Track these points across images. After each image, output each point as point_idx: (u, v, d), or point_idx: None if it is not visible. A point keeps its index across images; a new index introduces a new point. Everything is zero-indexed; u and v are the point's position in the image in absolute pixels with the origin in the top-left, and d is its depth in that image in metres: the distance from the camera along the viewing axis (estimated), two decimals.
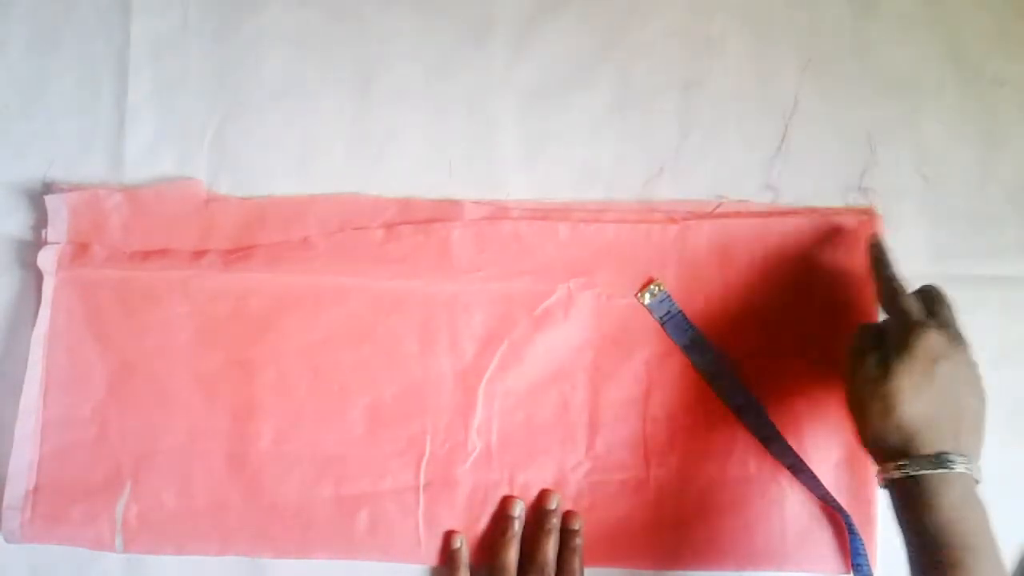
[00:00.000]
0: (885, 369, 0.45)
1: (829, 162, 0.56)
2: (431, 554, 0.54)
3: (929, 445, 0.44)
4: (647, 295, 0.55)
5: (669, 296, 0.55)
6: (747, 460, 0.55)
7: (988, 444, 0.56)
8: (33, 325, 0.55)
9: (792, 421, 0.54)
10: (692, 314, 0.55)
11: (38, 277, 0.55)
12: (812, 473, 0.54)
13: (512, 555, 0.53)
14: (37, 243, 0.56)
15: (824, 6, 0.57)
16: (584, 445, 0.55)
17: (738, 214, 0.56)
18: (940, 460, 0.43)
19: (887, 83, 0.57)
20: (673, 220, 0.56)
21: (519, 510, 0.54)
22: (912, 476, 0.43)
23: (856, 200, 0.56)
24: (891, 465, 0.44)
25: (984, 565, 0.42)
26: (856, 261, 0.55)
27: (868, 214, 0.55)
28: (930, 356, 0.45)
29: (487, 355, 0.55)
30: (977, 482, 0.45)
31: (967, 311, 0.56)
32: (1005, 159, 0.57)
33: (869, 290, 0.54)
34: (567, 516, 0.54)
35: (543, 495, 0.55)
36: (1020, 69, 0.57)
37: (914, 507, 0.43)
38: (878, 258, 0.51)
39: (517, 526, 0.54)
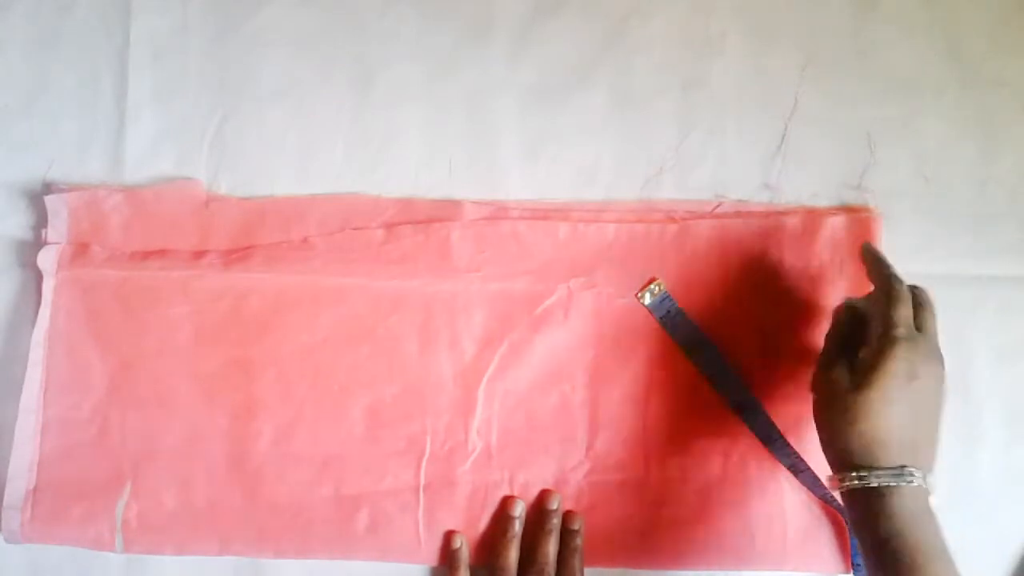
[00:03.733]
0: (859, 378, 0.45)
1: (829, 162, 0.56)
2: (431, 554, 0.54)
3: (891, 459, 0.44)
4: (647, 295, 0.55)
5: (669, 296, 0.55)
6: (747, 460, 0.55)
7: (988, 444, 0.56)
8: (33, 325, 0.55)
9: (792, 421, 0.54)
10: (692, 314, 0.55)
11: (38, 277, 0.55)
12: (812, 473, 0.54)
13: (512, 555, 0.53)
14: (37, 243, 0.56)
15: (824, 6, 0.57)
16: (584, 445, 0.55)
17: (738, 214, 0.56)
18: (900, 474, 0.44)
19: (887, 83, 0.57)
20: (673, 220, 0.56)
21: (519, 510, 0.54)
22: (872, 487, 0.44)
23: (856, 200, 0.56)
24: (851, 475, 0.45)
25: (938, 567, 0.42)
26: (856, 261, 0.55)
27: (868, 214, 0.55)
28: (908, 374, 0.45)
29: (487, 355, 0.55)
30: (929, 494, 0.45)
31: (967, 311, 0.56)
32: (1005, 159, 0.57)
33: (868, 290, 0.54)
34: (567, 516, 0.54)
35: (544, 495, 0.55)
36: (1020, 69, 0.57)
37: (871, 516, 0.44)
38: (879, 258, 0.51)
39: (518, 526, 0.54)
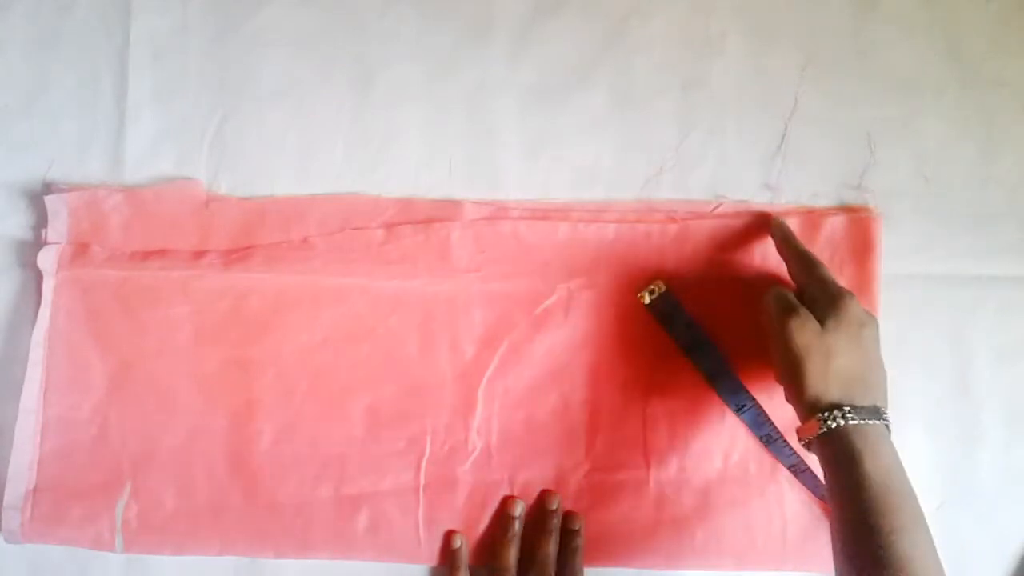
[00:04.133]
0: (825, 322, 0.47)
1: (829, 162, 0.56)
2: (431, 554, 0.55)
3: (863, 398, 0.46)
4: (647, 295, 0.55)
5: (670, 296, 0.55)
6: (747, 460, 0.55)
7: (988, 444, 0.56)
8: (33, 325, 0.55)
9: (792, 421, 0.54)
10: (691, 313, 0.55)
11: (38, 277, 0.55)
12: (812, 473, 0.54)
13: (512, 555, 0.53)
14: (37, 243, 0.56)
15: (824, 6, 0.57)
16: (584, 445, 0.55)
17: (738, 214, 0.56)
18: (877, 412, 0.46)
19: (887, 83, 0.57)
20: (673, 220, 0.56)
21: (519, 510, 0.54)
22: (854, 425, 0.45)
23: (856, 200, 0.56)
24: (832, 414, 0.45)
25: (918, 510, 0.44)
26: (856, 261, 0.55)
27: (868, 214, 0.55)
28: (857, 321, 0.47)
29: (487, 355, 0.55)
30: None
31: (967, 311, 0.56)
32: (1005, 159, 0.57)
33: (869, 290, 0.54)
34: (567, 516, 0.54)
35: (544, 495, 0.55)
36: (1020, 69, 0.57)
37: (855, 457, 0.44)
38: (787, 234, 0.53)
39: (517, 526, 0.54)
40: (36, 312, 0.55)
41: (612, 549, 0.54)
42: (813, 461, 0.53)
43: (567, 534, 0.54)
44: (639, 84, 0.57)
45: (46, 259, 0.55)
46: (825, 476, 0.46)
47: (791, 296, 0.49)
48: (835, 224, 0.55)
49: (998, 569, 0.55)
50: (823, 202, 0.56)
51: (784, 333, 0.48)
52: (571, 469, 0.55)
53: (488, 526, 0.55)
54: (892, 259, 0.55)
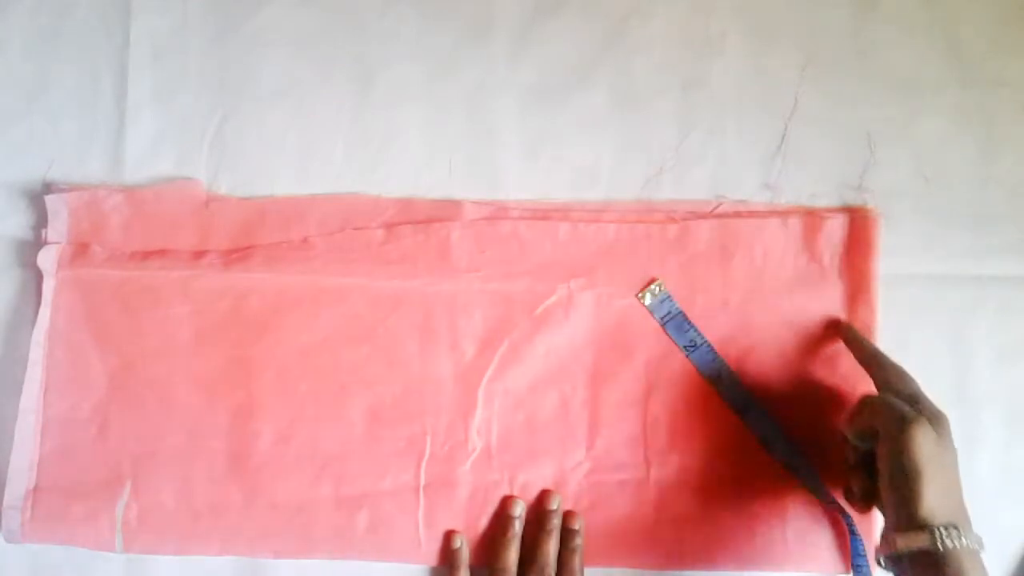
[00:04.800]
0: (939, 438, 0.45)
1: (829, 162, 0.56)
2: (431, 554, 0.54)
3: (968, 522, 0.44)
4: (648, 295, 0.55)
5: (670, 296, 0.55)
6: (747, 460, 0.55)
7: (988, 444, 0.56)
8: (33, 325, 0.55)
9: (792, 421, 0.54)
10: (692, 314, 0.55)
11: (38, 277, 0.55)
12: (812, 473, 0.54)
13: (512, 555, 0.53)
14: (37, 243, 0.56)
15: (824, 6, 0.57)
16: (584, 445, 0.55)
17: (738, 214, 0.56)
18: (980, 541, 0.44)
19: (887, 83, 0.57)
20: (673, 220, 0.56)
21: (520, 510, 0.54)
22: (966, 548, 0.43)
23: (856, 200, 0.56)
24: (949, 533, 0.43)
25: None
26: (856, 261, 0.55)
27: (867, 214, 0.55)
28: (953, 446, 0.46)
29: (487, 355, 0.55)
30: None
31: (967, 311, 0.56)
32: (1005, 159, 0.57)
33: (868, 290, 0.54)
34: (567, 516, 0.54)
35: (544, 495, 0.55)
36: (1020, 69, 0.57)
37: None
38: (858, 336, 0.52)
39: (518, 526, 0.54)
40: (36, 312, 0.55)
41: (612, 549, 0.54)
42: (813, 461, 0.53)
43: (567, 534, 0.54)
44: (639, 84, 0.57)
45: (46, 259, 0.55)
46: None
47: (901, 403, 0.47)
48: (834, 224, 0.55)
49: (998, 569, 0.55)
50: (823, 202, 0.56)
51: (906, 442, 0.45)
52: (571, 469, 0.55)
53: (488, 526, 0.55)
54: (892, 259, 0.55)
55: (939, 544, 0.42)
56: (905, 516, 0.44)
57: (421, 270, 0.55)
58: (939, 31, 0.57)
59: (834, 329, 0.54)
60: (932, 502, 0.43)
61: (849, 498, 0.51)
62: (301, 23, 0.58)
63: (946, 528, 0.43)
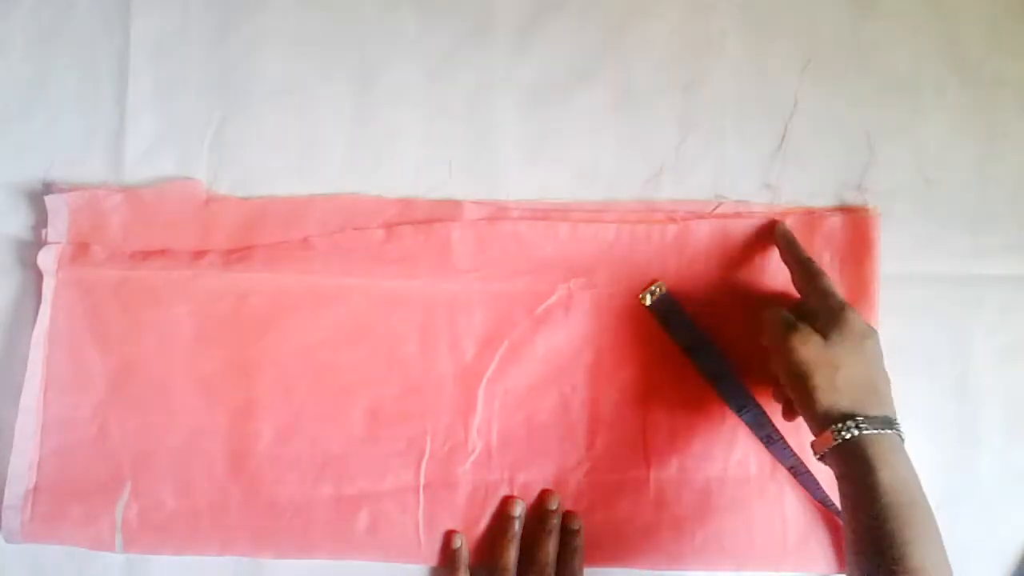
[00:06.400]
0: (829, 334, 0.47)
1: (829, 162, 0.56)
2: (431, 554, 0.55)
3: (875, 408, 0.46)
4: (648, 296, 0.55)
5: (671, 297, 0.55)
6: (747, 460, 0.55)
7: (988, 444, 0.56)
8: (33, 325, 0.55)
9: (792, 422, 0.54)
10: (692, 314, 0.55)
11: (38, 277, 0.55)
12: (812, 475, 0.54)
13: (512, 555, 0.53)
14: (37, 243, 0.56)
15: (824, 6, 0.57)
16: (584, 445, 0.55)
17: (738, 214, 0.56)
18: (889, 421, 0.45)
19: (887, 83, 0.57)
20: (673, 220, 0.56)
21: (519, 510, 0.54)
22: (866, 435, 0.44)
23: (856, 200, 0.56)
24: (845, 426, 0.45)
25: (932, 521, 0.44)
26: (855, 261, 0.55)
27: (867, 214, 0.55)
28: (860, 333, 0.47)
29: (487, 355, 0.55)
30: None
31: (967, 311, 0.56)
32: (1005, 159, 0.57)
33: (868, 290, 0.54)
34: (567, 516, 0.54)
35: (543, 495, 0.55)
36: (1020, 69, 0.57)
37: (869, 467, 0.44)
38: (791, 241, 0.53)
39: (517, 526, 0.54)
40: (36, 312, 0.55)
41: (612, 549, 0.54)
42: (812, 462, 0.53)
43: (567, 534, 0.54)
44: (639, 84, 0.57)
45: (46, 259, 0.55)
46: (840, 487, 0.46)
47: (787, 314, 0.50)
48: (835, 224, 0.55)
49: (998, 569, 0.55)
50: (823, 202, 0.56)
51: (787, 349, 0.48)
52: (571, 469, 0.55)
53: (488, 526, 0.55)
54: (892, 259, 0.55)
55: (838, 437, 0.45)
56: (810, 420, 0.47)
57: (421, 270, 0.55)
58: (939, 31, 0.57)
59: (770, 230, 0.55)
60: (825, 401, 0.46)
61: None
62: (301, 23, 0.58)
63: (843, 421, 0.45)
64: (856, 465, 0.45)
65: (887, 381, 0.48)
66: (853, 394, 0.46)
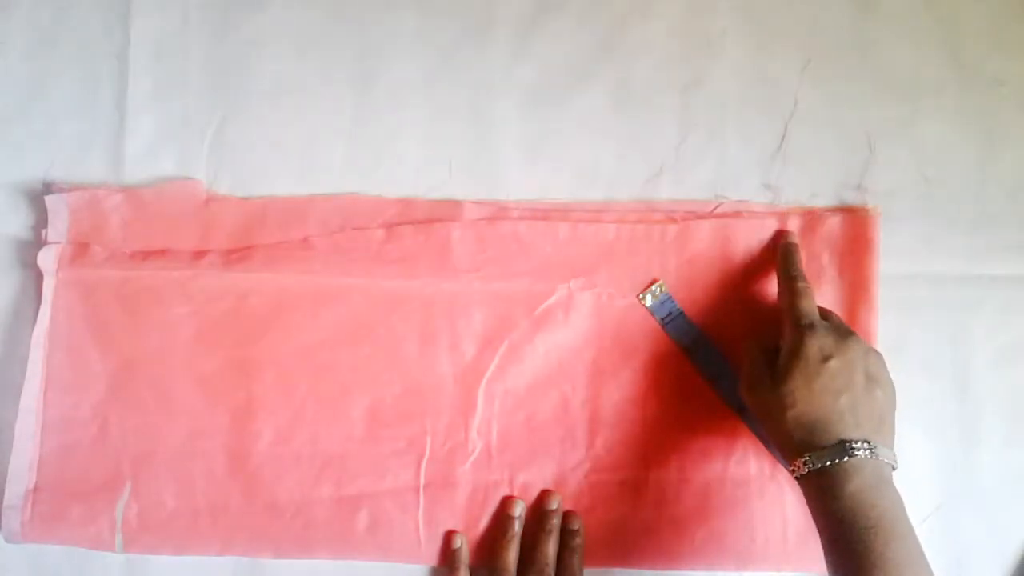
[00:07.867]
0: (781, 371, 0.48)
1: (829, 162, 0.56)
2: (431, 554, 0.55)
3: (829, 436, 0.46)
4: (648, 296, 0.55)
5: (671, 297, 0.55)
6: (747, 460, 0.55)
7: (988, 444, 0.56)
8: (33, 325, 0.55)
9: None
10: (692, 314, 0.55)
11: (38, 277, 0.55)
12: None
13: (512, 555, 0.53)
14: (37, 243, 0.56)
15: (824, 6, 0.57)
16: (584, 445, 0.55)
17: (738, 214, 0.56)
18: (842, 448, 0.45)
19: (887, 83, 0.57)
20: (673, 220, 0.56)
21: (519, 510, 0.54)
22: (817, 468, 0.45)
23: (856, 200, 0.56)
24: (799, 461, 0.46)
25: (894, 546, 0.43)
26: (855, 261, 0.55)
27: (867, 214, 0.55)
28: (820, 355, 0.47)
29: (487, 355, 0.55)
30: (894, 468, 0.46)
31: (967, 311, 0.56)
32: (1005, 159, 0.57)
33: (868, 290, 0.54)
34: (567, 516, 0.54)
35: (543, 495, 0.55)
36: (1020, 69, 0.57)
37: (821, 497, 0.45)
38: (786, 257, 0.53)
39: (517, 526, 0.54)
40: (36, 312, 0.55)
41: (612, 549, 0.54)
42: None
43: (567, 534, 0.54)
44: (639, 84, 0.57)
45: (46, 259, 0.55)
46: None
47: (756, 350, 0.51)
48: (834, 224, 0.55)
49: (998, 569, 0.55)
50: (823, 202, 0.56)
51: (747, 387, 0.50)
52: (571, 469, 0.55)
53: (488, 526, 0.55)
54: (892, 259, 0.55)
55: (796, 476, 0.46)
56: (778, 455, 0.50)
57: (421, 270, 0.55)
58: (939, 31, 0.57)
59: (768, 228, 0.55)
60: (778, 443, 0.48)
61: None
62: (301, 23, 0.58)
63: (797, 459, 0.46)
64: (810, 498, 0.46)
65: (851, 397, 0.46)
66: (801, 432, 0.46)
